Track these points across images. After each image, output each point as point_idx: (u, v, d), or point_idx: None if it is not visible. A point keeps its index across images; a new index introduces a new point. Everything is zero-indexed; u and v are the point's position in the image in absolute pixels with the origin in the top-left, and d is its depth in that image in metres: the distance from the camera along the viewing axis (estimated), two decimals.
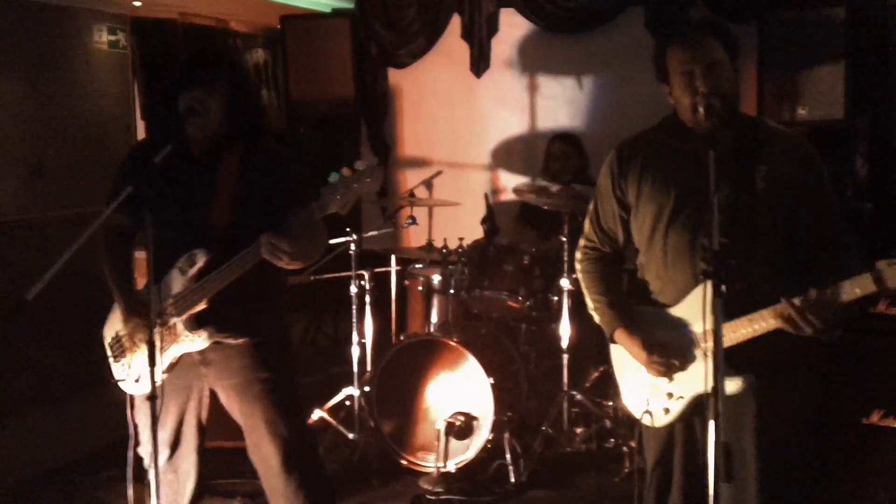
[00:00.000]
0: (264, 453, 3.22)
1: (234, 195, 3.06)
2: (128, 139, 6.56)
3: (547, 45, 6.11)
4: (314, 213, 2.86)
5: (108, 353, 3.25)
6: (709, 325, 2.44)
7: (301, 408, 3.46)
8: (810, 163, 2.66)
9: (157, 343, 2.95)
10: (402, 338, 4.72)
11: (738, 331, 2.57)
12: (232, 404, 3.24)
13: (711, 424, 2.17)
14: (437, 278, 4.99)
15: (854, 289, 2.41)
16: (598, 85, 6.00)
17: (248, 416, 3.21)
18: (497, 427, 4.39)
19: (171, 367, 3.14)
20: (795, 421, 2.75)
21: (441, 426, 4.35)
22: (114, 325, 3.24)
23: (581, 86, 6.04)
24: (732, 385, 2.56)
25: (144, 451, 3.16)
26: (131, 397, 3.20)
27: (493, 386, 4.36)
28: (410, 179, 6.44)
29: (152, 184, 2.94)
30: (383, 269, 5.21)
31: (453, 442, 4.37)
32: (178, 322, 3.06)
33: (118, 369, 3.23)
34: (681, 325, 2.73)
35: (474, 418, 4.40)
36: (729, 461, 2.16)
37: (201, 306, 3.04)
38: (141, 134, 6.59)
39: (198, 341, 3.08)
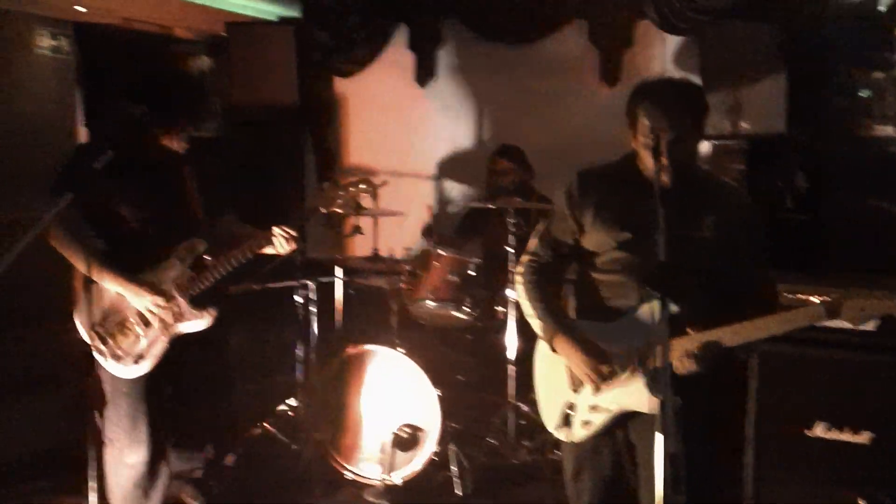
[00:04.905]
0: None
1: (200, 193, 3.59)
2: (68, 145, 6.43)
3: (492, 57, 6.11)
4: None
5: (94, 337, 3.43)
6: (648, 341, 2.64)
7: None
8: (750, 216, 2.92)
9: (166, 321, 3.46)
10: (346, 348, 4.68)
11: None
12: None
13: (658, 437, 2.23)
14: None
15: (801, 318, 2.57)
16: (543, 96, 6.00)
17: None
18: (443, 438, 4.38)
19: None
20: (704, 420, 2.87)
21: (388, 438, 4.32)
22: (99, 307, 3.43)
23: (526, 97, 6.05)
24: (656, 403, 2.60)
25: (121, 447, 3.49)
26: (101, 395, 3.47)
27: (440, 398, 4.34)
28: None
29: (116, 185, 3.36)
30: (328, 279, 5.17)
31: (399, 453, 4.35)
32: (183, 303, 3.48)
33: (112, 349, 3.43)
34: (617, 339, 2.81)
35: (421, 430, 4.38)
36: (677, 474, 2.21)
37: (203, 289, 3.50)
38: (82, 140, 6.47)
39: (202, 322, 3.52)
